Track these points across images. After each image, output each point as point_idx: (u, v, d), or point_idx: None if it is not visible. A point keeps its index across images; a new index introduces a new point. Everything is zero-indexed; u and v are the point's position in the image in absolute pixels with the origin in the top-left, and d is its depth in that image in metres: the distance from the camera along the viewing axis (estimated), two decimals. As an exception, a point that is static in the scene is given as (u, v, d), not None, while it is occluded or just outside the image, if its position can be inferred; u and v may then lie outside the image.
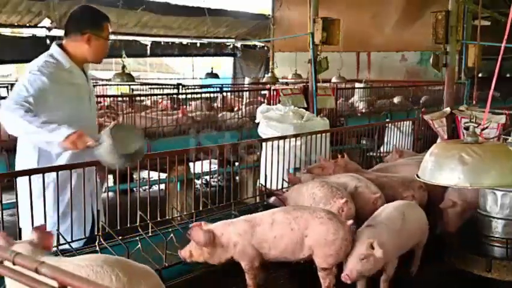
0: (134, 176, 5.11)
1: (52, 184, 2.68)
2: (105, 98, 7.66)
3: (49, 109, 2.76)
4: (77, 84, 3.03)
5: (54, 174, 2.62)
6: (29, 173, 2.53)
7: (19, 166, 3.00)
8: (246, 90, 9.41)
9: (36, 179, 2.53)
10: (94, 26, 2.98)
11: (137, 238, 2.65)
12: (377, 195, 2.94)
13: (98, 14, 3.08)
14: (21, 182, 2.49)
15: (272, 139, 3.88)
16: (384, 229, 2.52)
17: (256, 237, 2.42)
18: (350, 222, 2.42)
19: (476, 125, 1.93)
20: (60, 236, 2.50)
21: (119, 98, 7.87)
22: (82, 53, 3.00)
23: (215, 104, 8.19)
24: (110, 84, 10.61)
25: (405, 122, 5.51)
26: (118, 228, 2.74)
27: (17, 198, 2.50)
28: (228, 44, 17.15)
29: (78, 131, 2.55)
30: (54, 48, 2.97)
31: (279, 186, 3.58)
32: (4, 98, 7.59)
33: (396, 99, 9.84)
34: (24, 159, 2.97)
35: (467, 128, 1.93)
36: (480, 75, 8.60)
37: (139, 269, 1.88)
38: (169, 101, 7.80)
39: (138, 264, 1.92)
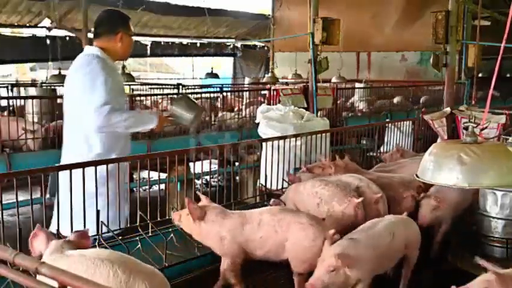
0: (134, 176, 5.11)
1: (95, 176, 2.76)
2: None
3: (115, 98, 3.23)
4: (119, 76, 3.59)
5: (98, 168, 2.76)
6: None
7: (69, 158, 3.25)
8: (246, 90, 9.40)
9: (80, 172, 2.65)
10: (124, 25, 3.41)
11: (137, 238, 2.65)
12: (378, 195, 2.93)
13: (124, 15, 3.54)
14: (64, 174, 2.72)
15: (272, 139, 3.89)
16: (363, 245, 2.28)
17: (244, 236, 2.42)
18: (332, 231, 2.30)
19: (475, 125, 1.93)
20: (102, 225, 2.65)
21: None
22: (115, 51, 3.39)
23: (217, 104, 8.18)
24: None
25: (405, 122, 5.51)
26: (118, 228, 2.75)
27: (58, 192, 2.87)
28: (228, 44, 17.15)
29: (159, 114, 3.37)
30: (94, 49, 3.35)
31: (279, 186, 3.58)
32: (4, 98, 7.62)
33: (396, 99, 9.84)
34: (74, 151, 3.28)
35: (466, 128, 1.93)
36: (480, 75, 8.62)
37: (145, 269, 1.86)
38: (169, 101, 7.79)
39: (145, 265, 1.91)
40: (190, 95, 3.59)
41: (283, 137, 3.84)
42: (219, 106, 8.12)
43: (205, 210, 2.48)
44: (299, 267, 2.36)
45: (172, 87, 9.52)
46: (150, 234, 2.70)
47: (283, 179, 3.59)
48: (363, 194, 2.87)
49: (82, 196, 2.62)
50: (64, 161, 3.30)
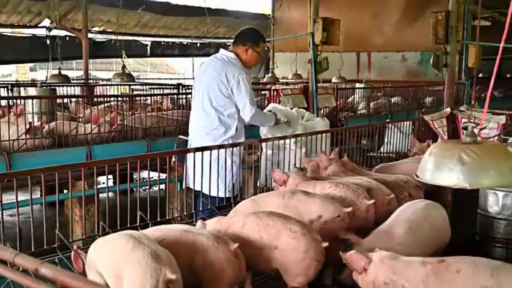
0: (134, 176, 5.11)
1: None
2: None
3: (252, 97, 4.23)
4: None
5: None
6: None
7: (206, 138, 4.11)
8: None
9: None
10: (252, 41, 4.31)
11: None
12: (390, 196, 2.92)
13: (258, 34, 4.43)
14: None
15: (272, 139, 3.88)
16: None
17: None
18: (326, 244, 2.22)
19: (474, 125, 1.93)
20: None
21: (119, 98, 7.87)
22: (249, 60, 4.33)
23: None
24: (110, 84, 10.61)
25: (405, 122, 5.50)
26: (118, 228, 2.74)
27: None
28: (228, 44, 17.14)
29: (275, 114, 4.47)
30: (230, 54, 4.27)
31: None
32: (4, 98, 7.61)
33: (393, 99, 9.83)
34: (212, 134, 4.17)
35: (465, 128, 1.92)
36: (480, 75, 8.62)
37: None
38: (169, 101, 7.79)
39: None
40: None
41: (283, 137, 3.84)
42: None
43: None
44: (294, 280, 2.23)
45: (172, 87, 9.51)
46: (150, 234, 2.69)
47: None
48: (375, 196, 2.85)
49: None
50: (201, 141, 4.04)
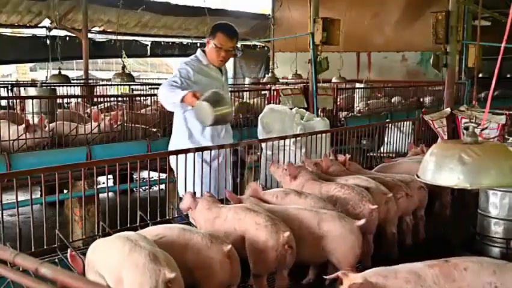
0: (134, 176, 5.11)
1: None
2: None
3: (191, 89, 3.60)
4: (212, 77, 3.91)
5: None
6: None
7: (173, 144, 3.88)
8: (246, 90, 9.40)
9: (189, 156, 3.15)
10: (211, 34, 3.87)
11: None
12: (388, 195, 2.93)
13: (219, 25, 3.94)
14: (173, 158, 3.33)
15: (272, 139, 3.88)
16: None
17: (214, 229, 2.45)
18: (287, 234, 2.30)
19: (475, 125, 1.93)
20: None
21: (119, 98, 7.87)
22: (210, 55, 3.90)
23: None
24: (110, 84, 10.61)
25: (405, 122, 5.50)
26: (118, 228, 2.74)
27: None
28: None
29: (190, 92, 3.40)
30: (198, 51, 3.96)
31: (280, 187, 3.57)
32: (4, 98, 7.62)
33: (393, 99, 9.83)
34: (177, 138, 3.89)
35: (466, 128, 1.92)
36: (481, 75, 8.61)
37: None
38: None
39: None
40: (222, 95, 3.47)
41: (283, 137, 3.84)
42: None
43: (196, 201, 2.61)
44: (254, 268, 2.36)
45: (172, 87, 9.49)
46: (150, 234, 2.69)
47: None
48: (373, 195, 2.86)
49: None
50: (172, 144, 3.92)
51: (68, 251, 2.22)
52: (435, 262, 2.03)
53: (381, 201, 2.90)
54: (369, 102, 9.12)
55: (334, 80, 11.49)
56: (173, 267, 1.91)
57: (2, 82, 11.82)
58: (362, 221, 2.50)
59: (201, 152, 3.30)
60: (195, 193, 2.88)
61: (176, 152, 3.19)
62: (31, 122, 5.25)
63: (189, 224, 2.66)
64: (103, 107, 7.23)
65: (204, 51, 3.94)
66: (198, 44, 15.88)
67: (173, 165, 3.37)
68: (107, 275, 2.00)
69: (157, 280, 1.82)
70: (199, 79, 3.79)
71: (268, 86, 9.08)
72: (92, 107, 7.05)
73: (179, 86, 3.57)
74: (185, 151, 3.14)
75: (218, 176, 3.59)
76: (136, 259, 1.88)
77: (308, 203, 2.70)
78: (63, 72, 10.25)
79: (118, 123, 5.78)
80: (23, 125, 5.08)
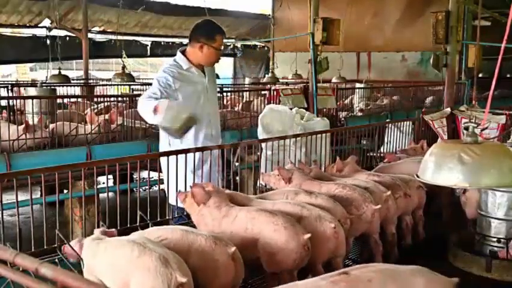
0: (134, 176, 5.11)
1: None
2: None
3: (174, 98, 3.55)
4: (194, 82, 3.77)
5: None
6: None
7: (161, 149, 3.81)
8: (246, 91, 9.40)
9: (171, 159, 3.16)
10: (206, 37, 3.70)
11: (137, 238, 2.64)
12: (387, 193, 2.92)
13: (213, 27, 3.81)
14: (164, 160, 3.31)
15: (272, 139, 3.88)
16: None
17: (220, 228, 2.40)
18: (308, 235, 2.26)
19: (475, 125, 1.93)
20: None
21: (119, 98, 7.87)
22: (197, 58, 3.74)
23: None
24: (110, 84, 10.62)
25: (405, 122, 5.50)
26: (118, 228, 2.74)
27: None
28: (228, 44, 17.14)
29: (157, 104, 3.28)
30: (177, 54, 3.79)
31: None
32: (4, 98, 7.62)
33: (396, 99, 9.83)
34: (163, 144, 3.82)
35: (466, 128, 1.92)
36: (481, 75, 8.61)
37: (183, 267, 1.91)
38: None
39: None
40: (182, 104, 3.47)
41: (283, 137, 3.84)
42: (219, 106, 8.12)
43: (209, 195, 2.48)
44: (271, 267, 2.31)
45: (172, 87, 9.50)
46: (150, 234, 2.69)
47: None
48: (372, 194, 2.86)
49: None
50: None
51: (63, 246, 2.21)
52: (337, 278, 1.73)
53: (380, 200, 2.90)
54: (371, 104, 9.13)
55: (334, 80, 11.50)
56: (184, 271, 1.87)
57: (2, 82, 11.83)
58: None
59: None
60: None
61: (176, 152, 3.19)
62: (31, 122, 5.25)
63: (189, 224, 2.66)
64: (102, 106, 7.24)
65: (183, 54, 3.77)
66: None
67: (164, 166, 3.34)
68: (109, 280, 1.93)
69: (168, 284, 1.77)
70: (180, 86, 3.66)
71: (268, 86, 9.09)
72: (90, 108, 7.05)
73: (159, 97, 3.43)
74: (185, 151, 3.14)
75: (210, 173, 3.57)
76: (147, 263, 1.83)
77: (319, 202, 2.67)
78: (63, 72, 10.26)
79: (118, 123, 5.79)
80: (23, 125, 5.09)
